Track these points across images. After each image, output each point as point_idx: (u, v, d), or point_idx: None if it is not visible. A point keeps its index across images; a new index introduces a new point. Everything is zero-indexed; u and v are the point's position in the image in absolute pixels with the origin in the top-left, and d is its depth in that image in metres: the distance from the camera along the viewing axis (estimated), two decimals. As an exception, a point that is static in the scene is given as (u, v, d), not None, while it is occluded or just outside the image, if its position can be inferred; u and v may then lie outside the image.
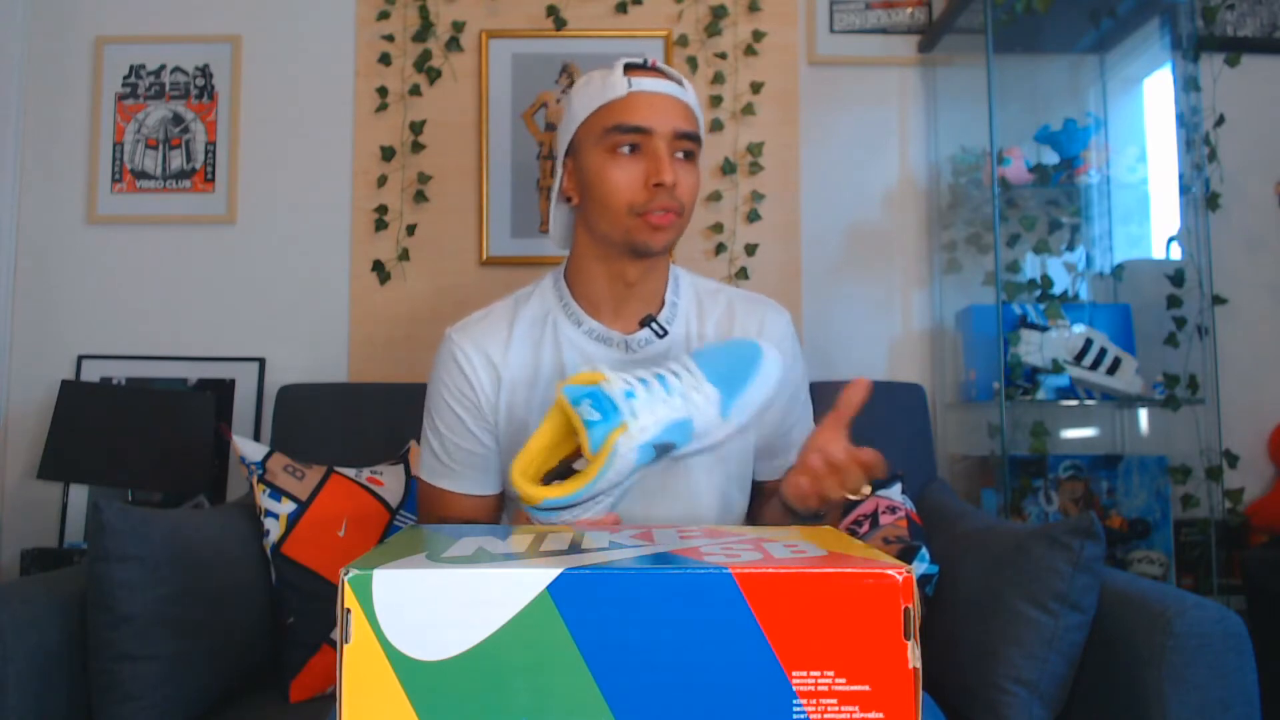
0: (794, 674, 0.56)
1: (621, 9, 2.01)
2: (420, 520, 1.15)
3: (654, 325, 1.08)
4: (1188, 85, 1.90)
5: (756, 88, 2.00)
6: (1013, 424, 1.79)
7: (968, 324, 1.91)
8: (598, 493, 0.85)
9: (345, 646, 0.56)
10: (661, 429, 0.86)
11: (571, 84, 1.99)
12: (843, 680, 0.56)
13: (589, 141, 1.05)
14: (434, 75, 1.99)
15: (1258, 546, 1.86)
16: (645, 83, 1.03)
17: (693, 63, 2.01)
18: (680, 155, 1.04)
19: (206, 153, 2.01)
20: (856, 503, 1.00)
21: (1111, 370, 1.79)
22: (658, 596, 0.56)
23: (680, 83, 1.06)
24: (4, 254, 1.96)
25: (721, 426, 0.89)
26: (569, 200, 1.10)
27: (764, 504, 1.14)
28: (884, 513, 1.54)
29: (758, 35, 2.00)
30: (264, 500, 1.45)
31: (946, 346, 2.01)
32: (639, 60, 1.07)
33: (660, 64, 1.08)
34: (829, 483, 0.90)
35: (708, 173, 2.00)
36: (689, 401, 0.88)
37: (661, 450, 0.87)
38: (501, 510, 1.14)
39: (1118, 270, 1.95)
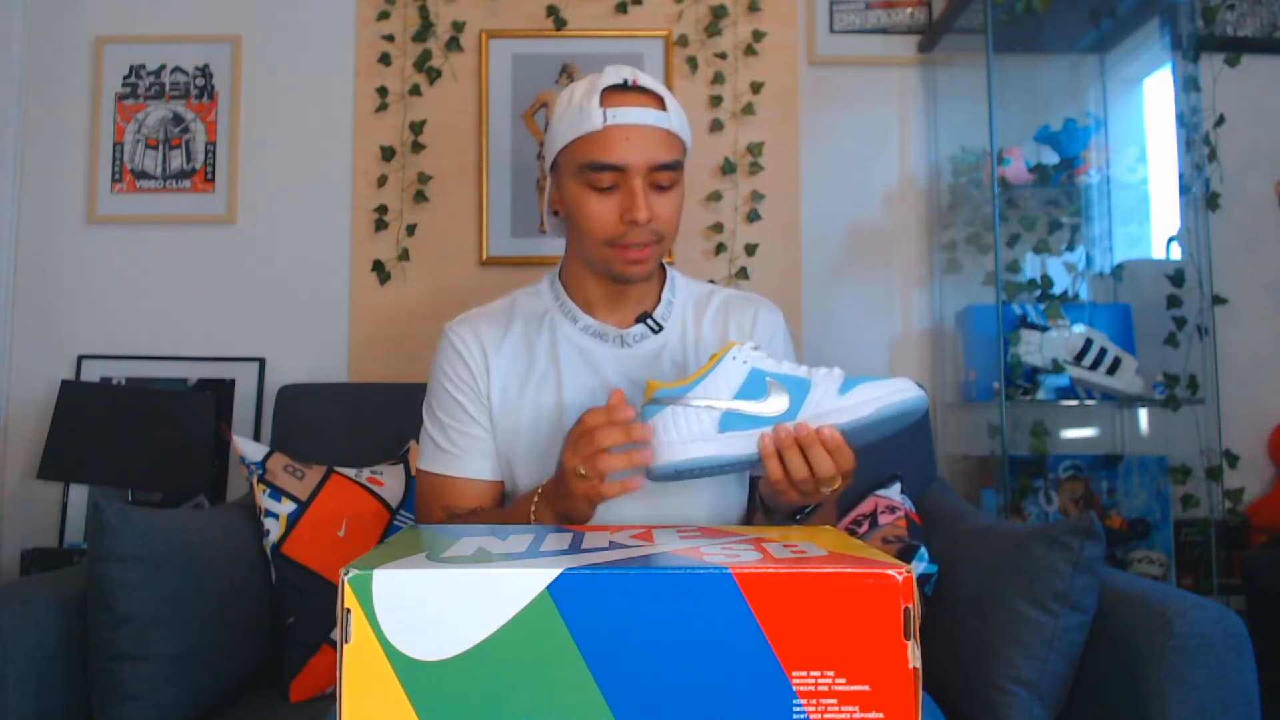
0: (794, 674, 0.56)
1: (621, 9, 2.01)
2: (419, 516, 1.15)
3: (649, 321, 1.10)
4: (1188, 85, 1.90)
5: (756, 88, 2.00)
6: (1013, 424, 1.79)
7: (968, 324, 1.91)
8: (708, 400, 0.89)
9: (345, 646, 0.56)
10: (776, 370, 0.91)
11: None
12: (843, 680, 0.56)
13: (568, 171, 1.06)
14: (434, 75, 1.99)
15: (1258, 546, 1.86)
16: (622, 114, 1.01)
17: (693, 63, 2.01)
18: (657, 186, 1.03)
19: (206, 153, 2.01)
20: (816, 507, 0.98)
21: (1111, 370, 1.79)
22: (658, 596, 0.56)
23: (662, 103, 1.04)
24: (4, 254, 1.96)
25: (836, 401, 0.88)
26: (556, 214, 1.12)
27: (752, 509, 1.14)
28: (883, 513, 1.54)
29: (758, 35, 2.00)
30: (264, 500, 1.45)
31: (946, 346, 2.01)
32: (619, 81, 1.04)
33: (643, 81, 1.05)
34: (790, 455, 0.88)
35: (707, 172, 2.00)
36: (814, 373, 0.91)
37: (773, 390, 0.89)
38: (503, 500, 1.14)
39: (1118, 270, 1.95)
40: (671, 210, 1.05)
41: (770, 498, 0.97)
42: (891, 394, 0.88)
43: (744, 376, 0.90)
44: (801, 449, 0.88)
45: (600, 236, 1.04)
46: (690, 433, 0.89)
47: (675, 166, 1.04)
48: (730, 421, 0.89)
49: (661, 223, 1.04)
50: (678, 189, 1.06)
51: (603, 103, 1.02)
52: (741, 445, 0.89)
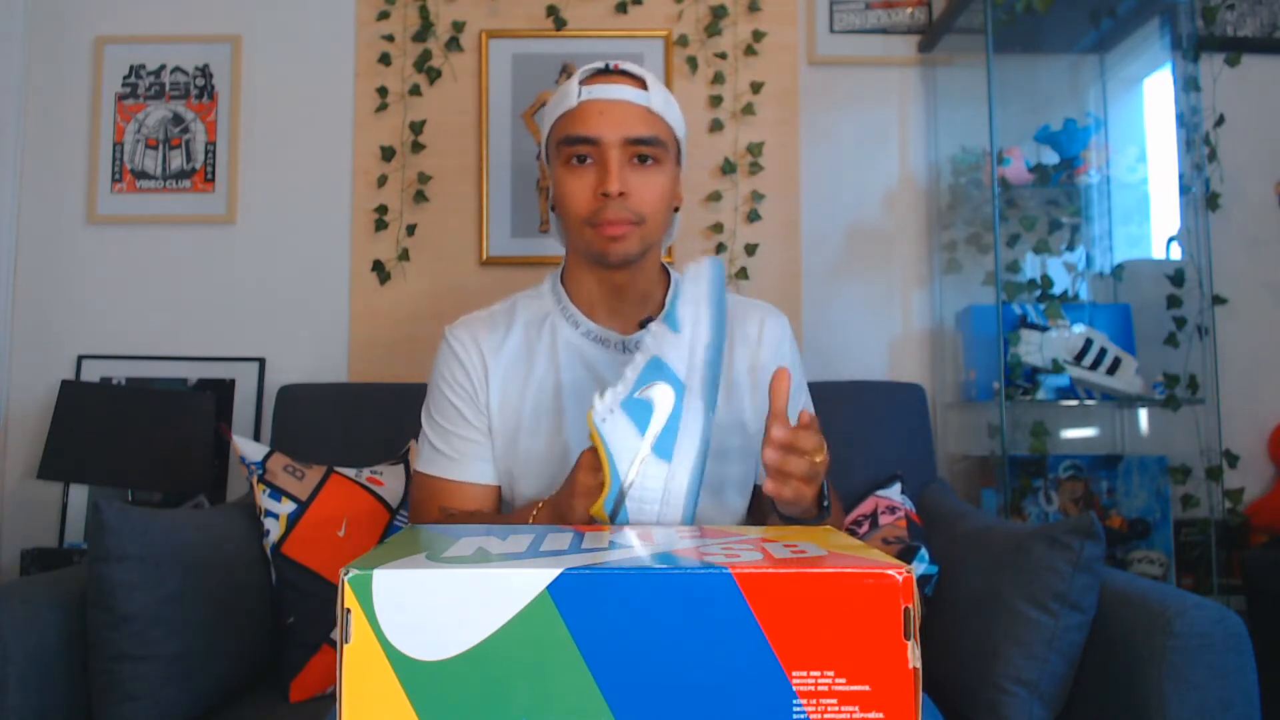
0: (794, 674, 0.56)
1: (621, 9, 2.01)
2: (414, 517, 1.15)
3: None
4: (1188, 85, 1.90)
5: (756, 88, 2.00)
6: (1013, 424, 1.79)
7: (968, 324, 1.91)
8: (634, 465, 0.83)
9: (345, 646, 0.56)
10: (631, 384, 0.86)
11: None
12: (843, 680, 0.56)
13: (551, 153, 1.08)
14: (434, 75, 1.99)
15: (1258, 546, 1.86)
16: (598, 90, 1.03)
17: (693, 63, 2.01)
18: (638, 160, 1.04)
19: (206, 153, 2.01)
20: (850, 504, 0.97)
21: (1111, 370, 1.79)
22: (658, 596, 0.56)
23: (644, 84, 1.05)
24: (4, 254, 1.96)
25: (683, 337, 0.85)
26: (554, 209, 1.12)
27: (764, 513, 1.13)
28: (884, 513, 1.54)
29: (758, 35, 2.00)
30: (264, 500, 1.45)
31: (946, 346, 2.01)
32: (602, 65, 1.06)
33: (626, 66, 1.06)
34: (792, 461, 0.85)
35: (707, 172, 2.00)
36: (645, 346, 0.87)
37: (654, 395, 0.85)
38: (499, 505, 1.14)
39: (1118, 270, 1.95)
40: (651, 190, 1.04)
41: (785, 507, 0.95)
42: (698, 283, 0.87)
43: (626, 419, 0.85)
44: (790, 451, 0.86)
45: (578, 214, 1.04)
46: (658, 491, 0.84)
47: (653, 142, 1.03)
48: (662, 446, 0.84)
49: (640, 202, 1.03)
50: (661, 170, 1.05)
51: (581, 83, 1.05)
52: (689, 441, 0.85)
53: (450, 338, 1.13)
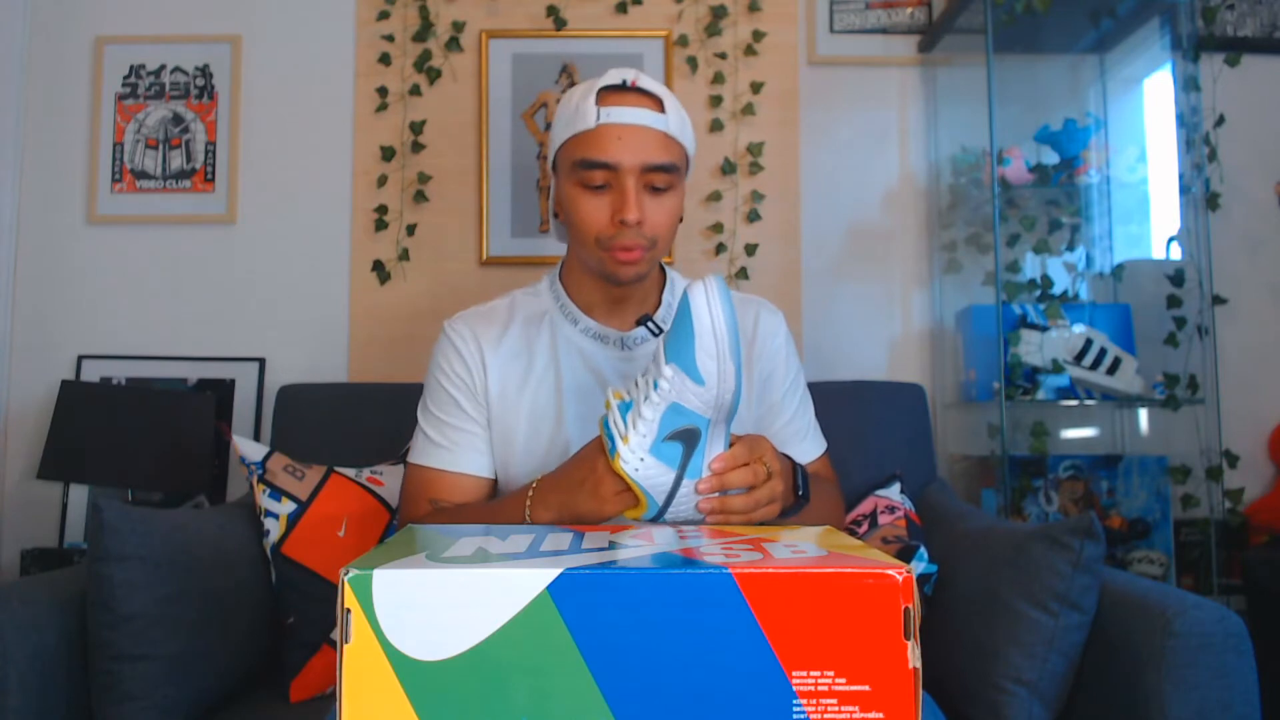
0: (794, 674, 0.56)
1: (621, 9, 2.01)
2: (402, 509, 1.14)
3: (650, 324, 1.10)
4: (1188, 85, 1.90)
5: (756, 88, 2.00)
6: (1013, 424, 1.79)
7: (968, 324, 1.91)
8: (661, 502, 0.87)
9: (345, 646, 0.56)
10: (656, 428, 0.85)
11: (572, 84, 1.99)
12: (843, 680, 0.56)
13: (563, 169, 1.06)
14: (434, 75, 1.99)
15: (1258, 546, 1.86)
16: (616, 113, 1.01)
17: (693, 63, 2.01)
18: (651, 190, 1.03)
19: (206, 153, 2.01)
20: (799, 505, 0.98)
21: (1111, 370, 1.79)
22: (658, 597, 0.56)
23: (660, 105, 1.03)
24: (4, 254, 1.96)
25: (709, 390, 0.83)
26: (558, 215, 1.11)
27: None
28: (883, 513, 1.54)
29: (758, 35, 2.00)
30: (264, 500, 1.45)
31: (946, 346, 2.01)
32: (618, 81, 1.03)
33: (642, 83, 1.04)
34: (732, 502, 0.87)
35: (707, 172, 2.00)
36: (663, 391, 0.85)
37: (686, 435, 0.86)
38: (493, 498, 1.13)
39: (1118, 270, 1.95)
40: (665, 215, 1.04)
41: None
42: (709, 329, 0.83)
43: (656, 461, 0.86)
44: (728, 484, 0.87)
45: (591, 236, 1.04)
46: (691, 500, 0.87)
47: (670, 169, 1.03)
48: (694, 469, 0.86)
49: (654, 227, 1.03)
50: (674, 193, 1.05)
51: (598, 102, 1.02)
52: (715, 454, 0.88)
53: (449, 330, 1.13)
